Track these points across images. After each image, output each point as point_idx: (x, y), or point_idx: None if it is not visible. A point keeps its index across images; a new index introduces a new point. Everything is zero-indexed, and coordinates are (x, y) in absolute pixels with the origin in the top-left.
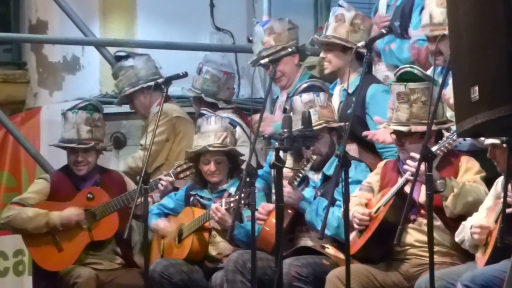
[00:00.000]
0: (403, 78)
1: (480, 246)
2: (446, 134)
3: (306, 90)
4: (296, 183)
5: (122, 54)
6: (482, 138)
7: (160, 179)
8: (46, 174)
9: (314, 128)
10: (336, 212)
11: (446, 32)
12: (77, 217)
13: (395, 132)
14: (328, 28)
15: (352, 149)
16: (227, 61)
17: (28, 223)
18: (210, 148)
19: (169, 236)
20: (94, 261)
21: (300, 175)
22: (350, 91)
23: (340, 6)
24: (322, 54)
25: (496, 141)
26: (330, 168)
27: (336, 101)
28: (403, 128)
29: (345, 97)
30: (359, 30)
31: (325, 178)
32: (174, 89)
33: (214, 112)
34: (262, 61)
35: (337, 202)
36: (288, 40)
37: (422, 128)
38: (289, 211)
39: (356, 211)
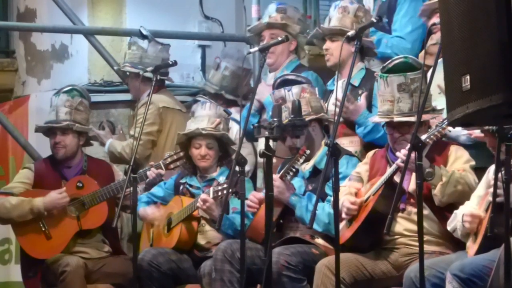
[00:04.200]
0: (395, 69)
1: (471, 235)
2: (435, 122)
3: (279, 85)
4: (288, 177)
5: (145, 32)
6: None
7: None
8: (31, 163)
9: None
10: (327, 208)
11: None
12: (61, 200)
13: (395, 123)
14: (332, 19)
15: (355, 140)
16: (242, 55)
17: (12, 212)
18: (203, 131)
19: (158, 224)
20: (82, 250)
21: (293, 169)
22: (356, 84)
23: None
24: (325, 45)
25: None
26: (321, 162)
27: (339, 95)
28: (411, 119)
29: (350, 91)
30: (361, 23)
31: (316, 171)
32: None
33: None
34: (252, 50)
35: (328, 197)
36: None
37: (428, 116)
38: (278, 208)
39: (346, 199)
